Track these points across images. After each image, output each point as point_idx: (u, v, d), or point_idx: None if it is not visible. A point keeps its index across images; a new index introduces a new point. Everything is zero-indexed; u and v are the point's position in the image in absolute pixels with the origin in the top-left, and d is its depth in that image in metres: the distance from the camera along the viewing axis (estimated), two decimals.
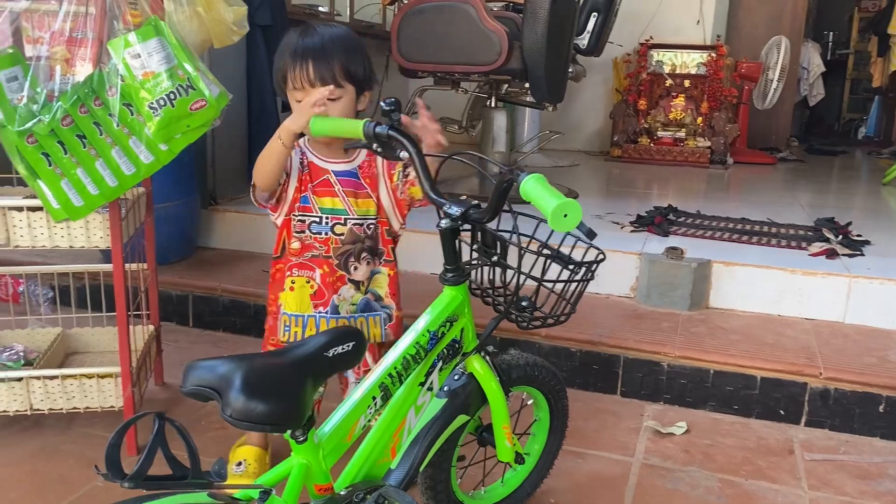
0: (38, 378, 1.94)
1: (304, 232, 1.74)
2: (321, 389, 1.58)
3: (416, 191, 1.77)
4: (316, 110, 1.51)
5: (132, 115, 1.54)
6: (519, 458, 1.64)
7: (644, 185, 4.93)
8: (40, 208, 1.82)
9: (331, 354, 1.23)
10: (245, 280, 3.01)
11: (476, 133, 4.83)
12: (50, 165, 1.63)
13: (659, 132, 5.95)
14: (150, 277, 2.29)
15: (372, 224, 1.77)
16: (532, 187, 1.20)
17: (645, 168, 5.63)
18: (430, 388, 1.49)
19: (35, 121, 1.59)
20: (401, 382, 1.41)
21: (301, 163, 1.71)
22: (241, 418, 1.10)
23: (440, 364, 1.50)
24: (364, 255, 1.76)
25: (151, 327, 2.31)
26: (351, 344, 1.27)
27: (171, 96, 1.66)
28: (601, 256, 1.50)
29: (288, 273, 1.75)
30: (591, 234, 1.21)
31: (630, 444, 2.17)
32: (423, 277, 3.09)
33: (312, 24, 1.68)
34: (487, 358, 1.58)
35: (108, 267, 2.13)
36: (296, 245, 1.74)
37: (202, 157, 3.37)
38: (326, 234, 1.73)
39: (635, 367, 2.44)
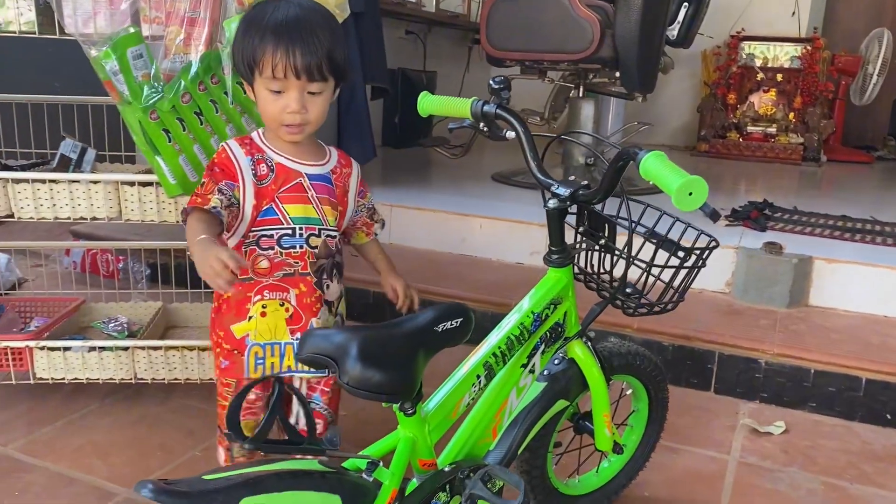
0: (142, 348, 2.01)
1: (272, 248, 1.43)
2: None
3: (360, 235, 1.65)
4: (220, 283, 1.17)
5: (245, 93, 1.56)
6: (617, 448, 1.61)
7: (733, 180, 4.78)
8: (150, 184, 1.89)
9: (440, 329, 1.24)
10: (357, 268, 3.03)
11: (557, 125, 4.77)
12: (170, 141, 1.68)
13: (748, 127, 5.76)
14: None
15: (339, 236, 1.54)
16: (654, 164, 1.16)
17: (733, 164, 5.46)
18: (531, 371, 1.47)
19: (158, 97, 1.64)
20: (504, 363, 1.40)
21: (258, 168, 1.40)
22: (358, 386, 1.12)
23: (542, 347, 1.48)
24: (335, 271, 1.52)
25: None
26: (459, 320, 1.27)
27: None
28: (714, 243, 1.45)
29: (257, 297, 1.43)
30: (714, 216, 1.17)
31: (725, 441, 2.10)
32: (511, 267, 3.08)
33: None
34: (589, 344, 1.55)
35: None
36: (264, 264, 1.43)
37: None
38: (301, 247, 1.44)
39: (731, 363, 2.36)
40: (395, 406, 1.23)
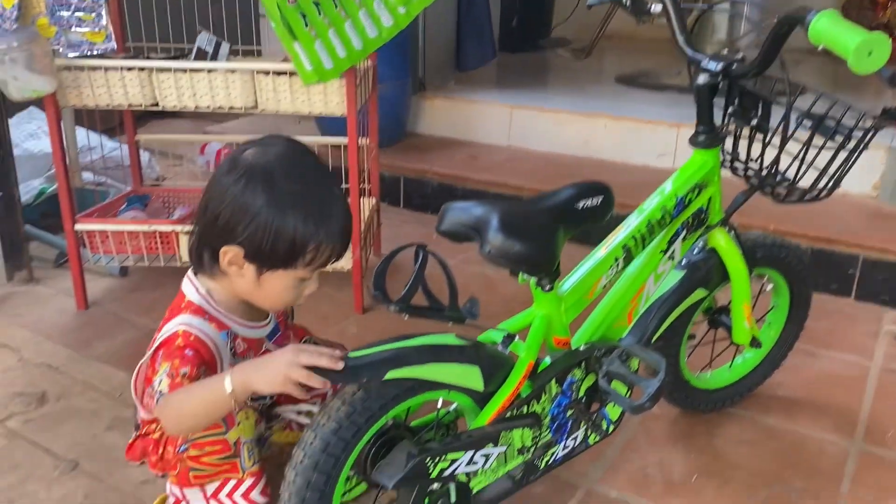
0: None
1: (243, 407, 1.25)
2: (266, 449, 1.33)
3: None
4: (309, 383, 1.03)
5: None
6: (755, 342, 1.55)
7: (879, 83, 4.38)
8: (284, 73, 1.92)
9: (580, 207, 1.22)
10: (454, 164, 3.04)
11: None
12: (306, 26, 1.68)
13: None
14: (372, 151, 2.37)
15: None
16: (827, 25, 1.06)
17: None
18: (671, 257, 1.43)
19: None
20: (643, 247, 1.37)
21: (235, 345, 1.26)
22: (500, 255, 1.12)
23: (684, 233, 1.42)
24: None
25: (374, 200, 2.41)
26: (600, 198, 1.24)
27: None
28: (878, 125, 1.33)
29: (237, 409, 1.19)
30: (893, 81, 1.07)
31: (867, 348, 1.99)
32: (637, 169, 2.97)
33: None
34: (733, 233, 1.48)
35: (337, 140, 2.24)
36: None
37: (414, 42, 3.39)
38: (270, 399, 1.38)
39: (876, 269, 2.21)
40: (533, 281, 1.23)
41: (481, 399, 1.21)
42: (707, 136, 1.40)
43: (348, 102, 1.92)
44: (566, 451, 1.32)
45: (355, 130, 1.97)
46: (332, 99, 1.95)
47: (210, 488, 1.23)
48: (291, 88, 1.94)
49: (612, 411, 1.36)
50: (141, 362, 1.22)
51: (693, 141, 1.41)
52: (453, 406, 1.27)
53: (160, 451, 1.25)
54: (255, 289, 1.19)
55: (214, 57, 2.15)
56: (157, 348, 1.18)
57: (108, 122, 2.74)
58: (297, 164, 1.17)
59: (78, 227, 2.07)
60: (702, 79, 1.36)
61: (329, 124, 3.03)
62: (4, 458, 1.54)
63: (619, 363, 1.27)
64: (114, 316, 2.12)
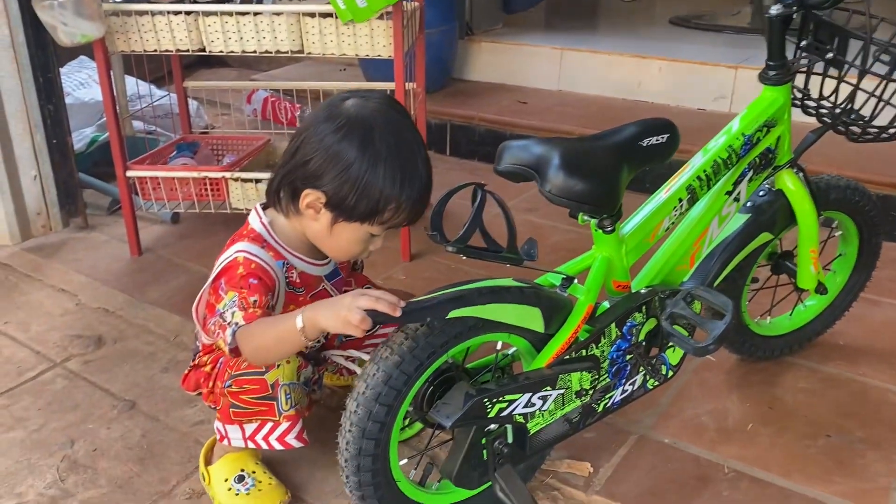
0: None
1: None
2: (318, 391, 1.36)
3: None
4: (362, 326, 1.01)
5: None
6: (820, 288, 1.50)
7: None
8: (331, 15, 1.88)
9: (645, 144, 1.17)
10: (501, 109, 2.98)
11: None
12: None
13: None
14: (419, 96, 2.33)
15: None
16: None
17: None
18: (736, 199, 1.37)
19: None
20: (709, 187, 1.31)
21: (290, 274, 1.27)
22: (561, 195, 1.09)
23: (750, 174, 1.37)
24: None
25: None
26: (665, 136, 1.19)
27: None
28: None
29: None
30: None
31: None
32: (692, 113, 2.87)
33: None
34: (801, 174, 1.42)
35: (383, 85, 2.20)
36: None
37: None
38: (320, 341, 1.39)
39: None
40: (593, 222, 1.20)
41: (539, 342, 1.19)
42: (778, 71, 1.33)
43: (395, 43, 1.88)
44: (624, 395, 1.30)
45: (402, 73, 1.93)
46: (378, 41, 1.91)
47: (249, 428, 1.25)
48: (337, 31, 1.90)
49: (672, 356, 1.33)
50: (203, 289, 1.23)
51: (763, 77, 1.35)
52: (510, 350, 1.25)
53: (210, 384, 1.28)
54: (325, 236, 1.20)
55: (260, 0, 2.12)
56: (219, 275, 1.19)
57: (157, 72, 2.74)
58: (394, 122, 1.16)
59: (129, 173, 2.09)
60: (775, 9, 1.28)
61: (374, 71, 2.99)
62: (65, 398, 1.58)
63: (683, 305, 1.23)
64: (167, 262, 2.15)
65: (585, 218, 1.19)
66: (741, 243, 1.37)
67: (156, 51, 1.96)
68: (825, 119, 1.36)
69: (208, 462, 1.34)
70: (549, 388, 1.17)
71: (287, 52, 1.95)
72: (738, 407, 1.52)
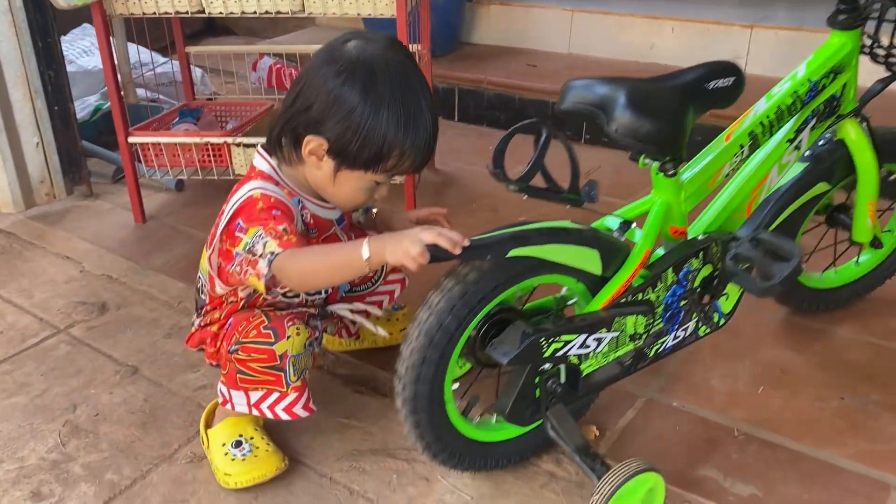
0: None
1: (297, 296, 1.32)
2: (317, 348, 1.30)
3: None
4: (420, 259, 0.99)
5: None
6: (876, 242, 1.49)
7: None
8: None
9: (710, 87, 1.17)
10: (511, 73, 2.92)
11: None
12: None
13: None
14: (425, 58, 2.28)
15: None
16: None
17: None
18: (797, 147, 1.36)
19: None
20: (770, 134, 1.30)
21: (304, 214, 1.24)
22: (626, 134, 1.09)
23: (813, 121, 1.35)
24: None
25: None
26: (731, 79, 1.18)
27: None
28: None
29: (289, 323, 1.22)
30: None
31: None
32: None
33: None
34: (865, 125, 1.40)
35: None
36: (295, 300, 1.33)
37: None
38: (327, 291, 1.36)
39: None
40: (655, 166, 1.19)
41: (595, 285, 1.20)
42: (848, 15, 1.31)
43: (398, 2, 1.83)
44: (676, 341, 1.30)
45: (405, 33, 1.88)
46: (381, 0, 1.86)
47: (254, 396, 1.23)
48: None
49: (725, 304, 1.33)
50: (215, 237, 1.20)
51: (831, 21, 1.32)
52: (563, 290, 1.24)
53: (217, 345, 1.27)
54: (329, 184, 1.17)
55: None
56: (234, 216, 1.15)
57: (162, 40, 2.70)
58: (398, 65, 1.11)
59: (131, 139, 2.06)
60: None
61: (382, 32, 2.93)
62: (68, 363, 1.58)
63: (749, 247, 1.21)
64: (171, 229, 2.13)
65: (647, 161, 1.19)
66: (797, 192, 1.37)
67: (155, 13, 1.92)
68: (894, 69, 1.34)
69: (208, 425, 1.32)
70: (603, 330, 1.18)
71: (287, 13, 1.90)
72: (750, 371, 1.49)
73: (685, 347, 1.32)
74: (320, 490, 1.25)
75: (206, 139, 2.06)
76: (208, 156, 2.10)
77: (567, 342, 1.14)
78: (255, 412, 1.25)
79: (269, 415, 1.24)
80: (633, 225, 1.22)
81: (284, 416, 1.23)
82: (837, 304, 1.64)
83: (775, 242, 1.21)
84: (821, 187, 1.39)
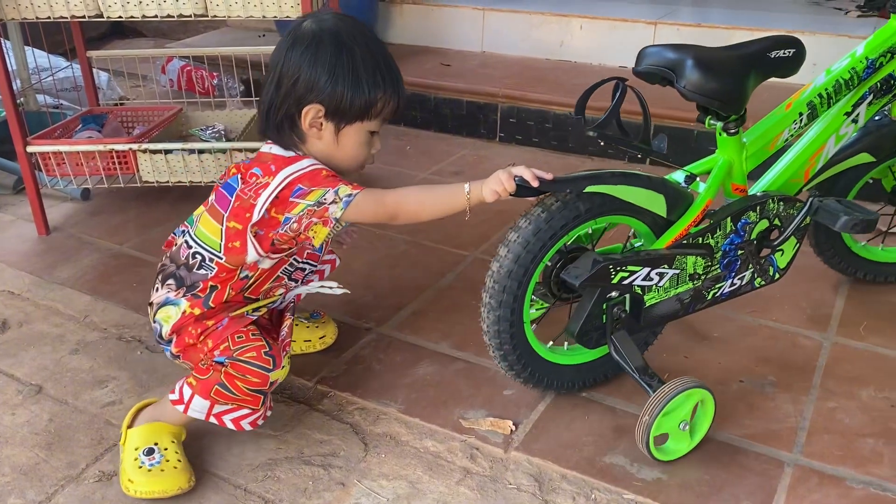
0: (240, 150, 2.01)
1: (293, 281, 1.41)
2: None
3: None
4: (508, 185, 1.16)
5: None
6: None
7: None
8: None
9: (773, 56, 1.29)
10: (425, 72, 2.94)
11: None
12: None
13: None
14: None
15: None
16: None
17: None
18: (854, 121, 1.47)
19: None
20: (829, 106, 1.41)
21: None
22: (695, 90, 1.22)
23: (870, 97, 1.46)
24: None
25: None
26: (792, 51, 1.31)
27: None
28: None
29: (283, 353, 1.30)
30: None
31: None
32: (613, 71, 2.88)
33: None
34: None
35: None
36: (279, 292, 1.39)
37: None
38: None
39: None
40: (719, 126, 1.32)
41: (660, 228, 1.33)
42: None
43: (303, 3, 1.82)
44: (732, 288, 1.42)
45: None
46: (286, 2, 1.84)
47: (219, 408, 1.26)
48: None
49: (780, 259, 1.44)
50: (259, 205, 1.22)
51: (892, 5, 1.43)
52: (632, 239, 1.40)
53: (198, 339, 1.27)
54: (334, 148, 1.26)
55: None
56: (293, 183, 1.21)
57: (63, 45, 2.60)
58: (355, 26, 1.24)
59: (31, 148, 1.98)
60: None
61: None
62: None
63: (833, 202, 1.39)
64: (77, 240, 2.06)
65: (712, 122, 1.33)
66: (840, 158, 1.49)
67: (49, 18, 1.85)
68: None
69: (131, 424, 1.30)
70: (666, 266, 1.31)
71: (190, 16, 1.86)
72: (655, 358, 1.54)
73: (741, 295, 1.44)
74: (234, 501, 1.24)
75: (110, 146, 2.00)
76: (113, 163, 2.04)
77: (633, 272, 1.28)
78: (212, 420, 1.26)
79: (231, 426, 1.27)
80: (698, 179, 1.36)
81: (231, 427, 1.27)
82: (881, 279, 1.78)
83: (856, 210, 1.38)
84: (863, 157, 1.52)
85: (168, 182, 2.04)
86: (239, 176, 1.29)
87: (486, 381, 1.49)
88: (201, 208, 1.34)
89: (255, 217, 1.23)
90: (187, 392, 1.25)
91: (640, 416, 1.24)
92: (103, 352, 1.61)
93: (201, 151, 2.01)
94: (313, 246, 1.25)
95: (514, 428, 1.37)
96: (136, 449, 1.25)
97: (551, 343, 1.42)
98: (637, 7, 3.10)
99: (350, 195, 1.20)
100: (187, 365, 1.31)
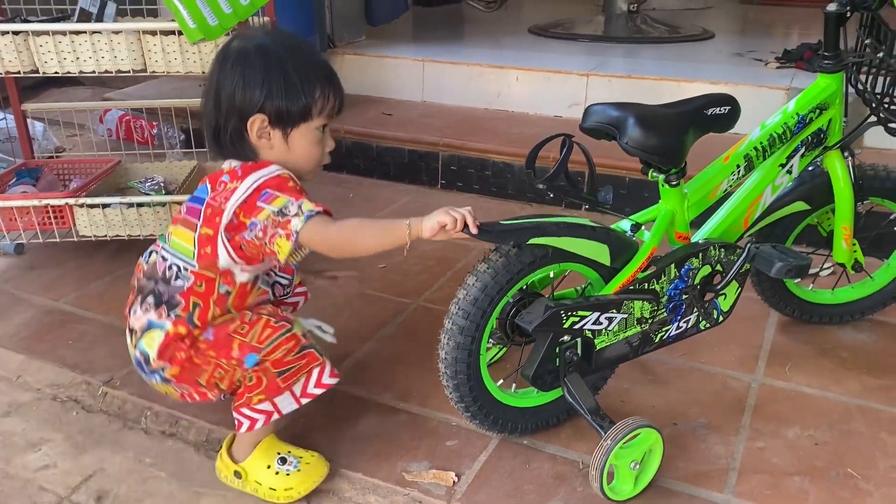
0: (179, 203, 2.01)
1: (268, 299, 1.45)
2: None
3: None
4: (446, 223, 1.16)
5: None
6: (857, 266, 1.71)
7: (785, 27, 4.50)
8: (173, 33, 1.82)
9: (709, 113, 1.37)
10: (367, 122, 2.98)
11: None
12: None
13: None
14: None
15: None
16: None
17: (787, 10, 5.12)
18: (789, 171, 1.56)
19: None
20: (764, 158, 1.50)
21: None
22: (637, 147, 1.30)
23: (802, 150, 1.55)
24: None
25: None
26: (727, 108, 1.39)
27: None
28: None
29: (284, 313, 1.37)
30: None
31: None
32: (549, 120, 2.98)
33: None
34: (850, 158, 1.60)
35: None
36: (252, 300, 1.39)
37: None
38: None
39: None
40: (661, 178, 1.39)
41: (607, 275, 1.40)
42: (830, 61, 1.52)
43: None
44: (679, 331, 1.49)
45: None
46: None
47: (298, 388, 1.32)
48: (181, 48, 1.85)
49: (724, 303, 1.51)
50: (227, 209, 1.24)
51: (817, 66, 1.53)
52: (585, 285, 1.45)
53: (189, 353, 1.28)
54: (287, 153, 1.29)
55: (100, 18, 2.03)
56: (261, 187, 1.23)
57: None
58: (280, 34, 1.30)
59: None
60: (831, 7, 1.48)
61: None
62: None
63: (768, 248, 1.45)
64: (9, 296, 2.02)
65: (655, 174, 1.40)
66: (776, 206, 1.58)
67: None
68: (879, 114, 1.55)
69: (235, 461, 1.37)
70: (614, 310, 1.37)
71: (129, 72, 1.87)
72: None
73: (688, 338, 1.52)
74: None
75: (45, 201, 1.98)
76: (49, 218, 2.01)
77: (583, 317, 1.34)
78: (304, 401, 1.33)
79: (318, 390, 1.33)
80: (643, 227, 1.44)
81: (319, 392, 1.33)
82: (825, 321, 1.86)
83: (791, 256, 1.45)
84: (799, 205, 1.61)
85: (106, 236, 2.02)
86: (207, 185, 1.31)
87: (429, 433, 1.51)
88: (171, 225, 1.37)
89: (225, 220, 1.26)
90: (248, 413, 1.31)
91: (598, 447, 1.29)
92: (36, 413, 1.57)
93: (140, 205, 2.00)
94: (279, 261, 1.24)
95: (456, 479, 1.38)
96: (268, 467, 1.35)
97: (501, 382, 1.46)
98: (570, 59, 3.22)
99: (312, 211, 1.21)
100: (183, 389, 1.33)
